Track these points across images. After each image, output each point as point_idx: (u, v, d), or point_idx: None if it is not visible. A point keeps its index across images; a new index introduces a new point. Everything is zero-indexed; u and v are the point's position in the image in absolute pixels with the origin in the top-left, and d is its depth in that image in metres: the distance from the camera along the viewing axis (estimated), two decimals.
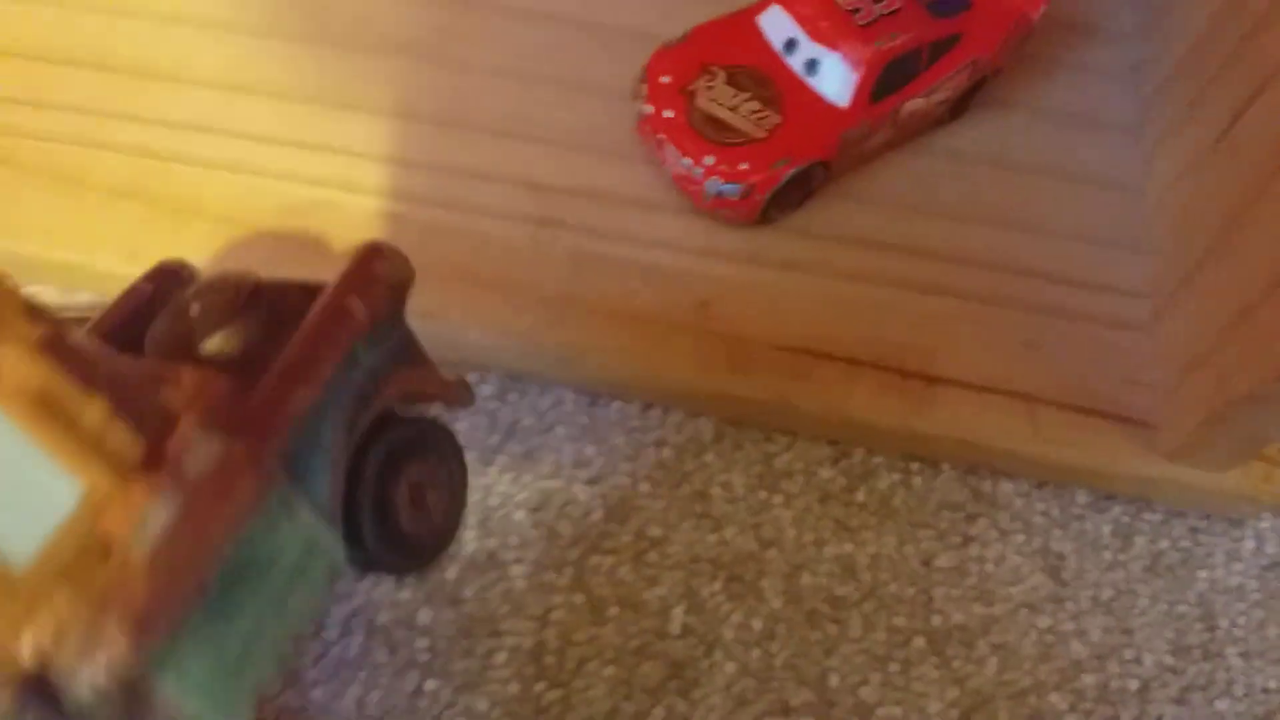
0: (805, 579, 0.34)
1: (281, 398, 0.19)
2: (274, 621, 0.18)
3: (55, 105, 0.37)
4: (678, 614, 0.33)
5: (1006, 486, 0.36)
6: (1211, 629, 0.35)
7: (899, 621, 0.34)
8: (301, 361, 0.20)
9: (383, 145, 0.37)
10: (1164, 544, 0.36)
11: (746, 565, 0.34)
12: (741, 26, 0.36)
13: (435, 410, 0.31)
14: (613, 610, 0.33)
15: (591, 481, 0.35)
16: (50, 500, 0.15)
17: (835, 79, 0.35)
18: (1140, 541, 0.36)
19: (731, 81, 0.35)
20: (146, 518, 0.16)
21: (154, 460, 0.16)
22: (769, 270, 0.36)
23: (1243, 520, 0.36)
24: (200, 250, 0.35)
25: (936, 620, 0.34)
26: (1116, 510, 0.36)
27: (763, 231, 0.36)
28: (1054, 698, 0.33)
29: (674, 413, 0.36)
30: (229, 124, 0.37)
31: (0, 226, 0.35)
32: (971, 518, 0.35)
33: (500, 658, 0.32)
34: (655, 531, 0.34)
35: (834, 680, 0.33)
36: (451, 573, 0.33)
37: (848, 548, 0.34)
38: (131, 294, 0.25)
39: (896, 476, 0.36)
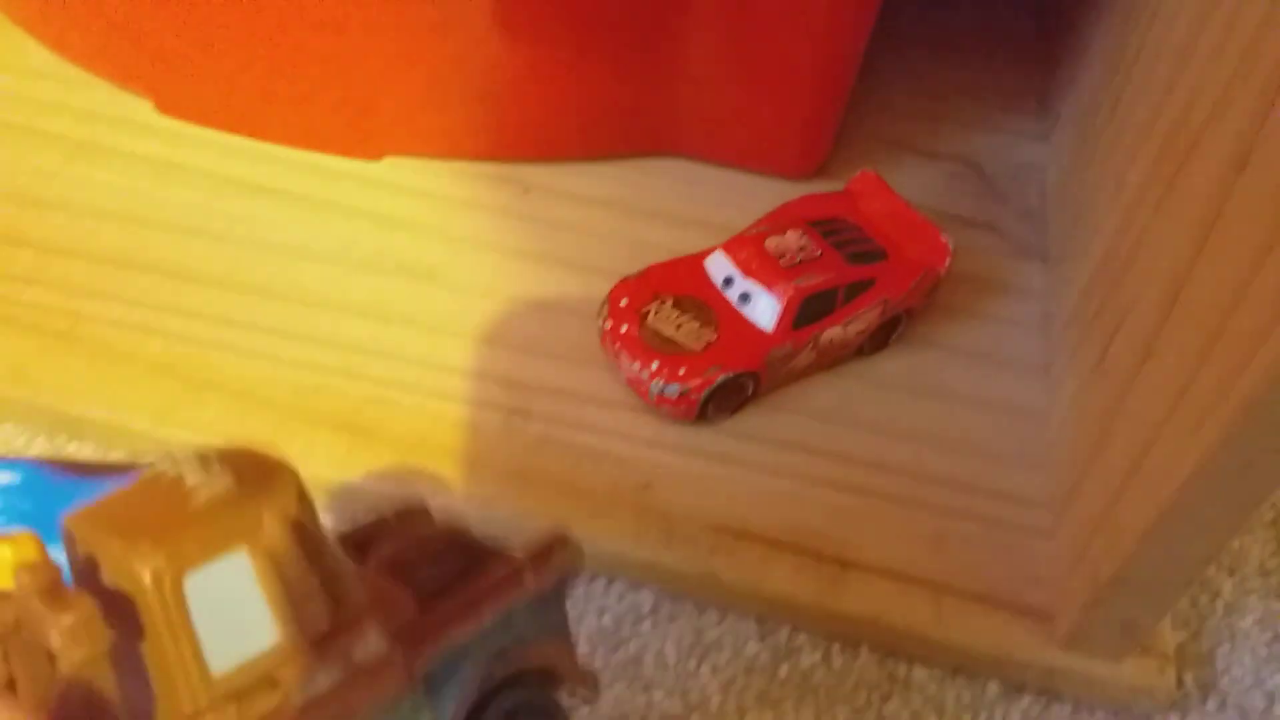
0: None
1: (442, 625, 0.24)
2: None
3: (114, 297, 0.44)
4: None
5: (920, 672, 0.38)
6: None
7: None
8: (468, 603, 0.24)
9: (387, 345, 0.44)
10: None
11: None
12: (690, 266, 0.44)
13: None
14: None
15: None
16: (255, 636, 0.20)
17: (763, 308, 0.42)
18: None
19: (677, 305, 0.42)
20: (313, 677, 0.21)
21: (335, 636, 0.21)
22: (704, 461, 0.41)
23: (1149, 718, 0.38)
24: (220, 419, 0.41)
25: None
26: (1026, 702, 0.38)
27: (702, 429, 0.42)
28: None
29: (617, 583, 0.40)
30: (257, 320, 0.44)
31: (55, 390, 0.41)
32: (886, 697, 0.38)
33: None
34: None
35: None
36: None
37: (767, 717, 0.37)
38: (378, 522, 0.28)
39: (818, 655, 0.39)
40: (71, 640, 0.18)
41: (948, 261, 0.45)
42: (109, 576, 0.19)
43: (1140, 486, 0.32)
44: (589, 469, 0.40)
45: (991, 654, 0.37)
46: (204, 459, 0.21)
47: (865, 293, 0.43)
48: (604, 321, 0.43)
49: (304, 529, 0.21)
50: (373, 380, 0.42)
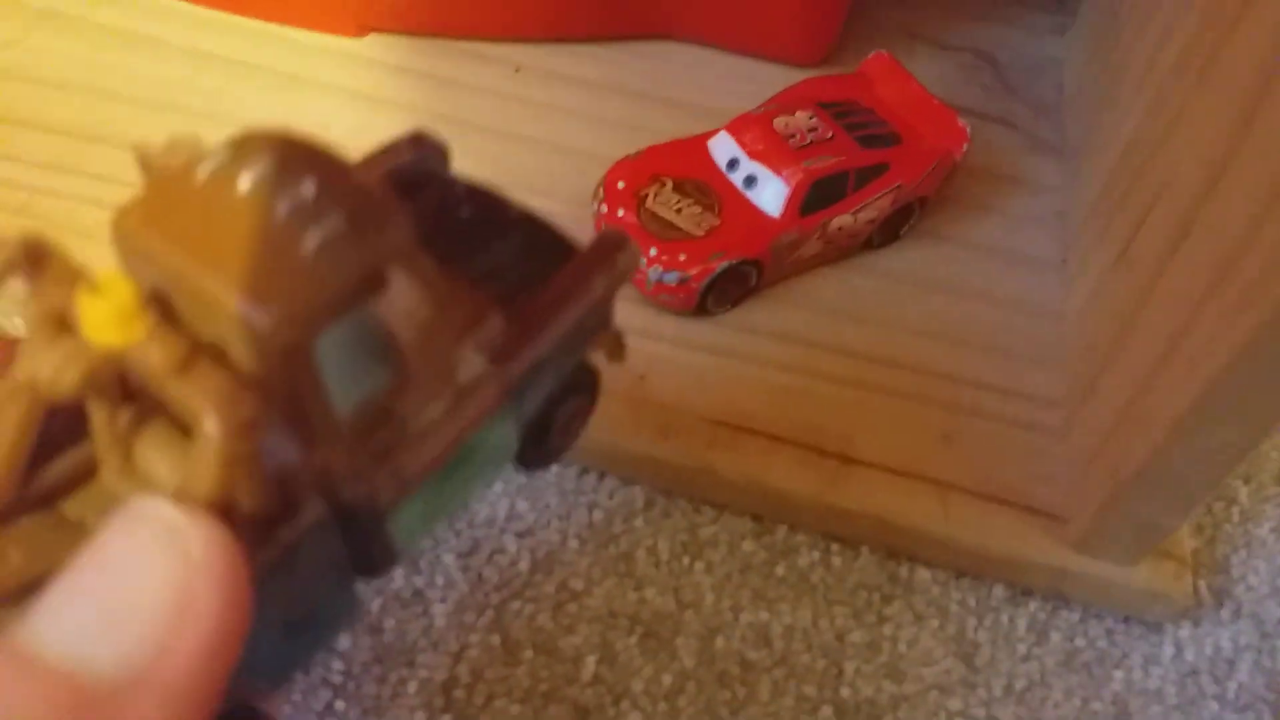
0: (719, 642, 0.35)
1: (527, 339, 0.23)
2: (464, 487, 0.23)
3: (77, 172, 0.41)
4: (590, 663, 0.34)
5: (924, 574, 0.37)
6: None
7: (808, 690, 0.34)
8: (547, 312, 0.24)
9: None
10: (1080, 642, 0.36)
11: (663, 624, 0.35)
12: (692, 147, 0.41)
13: None
14: (527, 653, 0.34)
15: (522, 534, 0.36)
16: (374, 375, 0.19)
17: (769, 192, 0.39)
18: (1056, 637, 0.36)
19: (678, 189, 0.40)
20: (426, 405, 0.20)
21: (443, 362, 0.20)
22: (703, 353, 0.39)
23: (1161, 626, 0.37)
24: None
25: (845, 692, 0.34)
26: (1033, 606, 0.37)
27: (701, 321, 0.40)
28: None
29: (608, 479, 0.38)
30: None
31: None
32: (887, 599, 0.36)
33: (411, 687, 0.33)
34: (577, 585, 0.35)
35: None
36: (375, 604, 0.34)
37: (763, 616, 0.35)
38: (388, 154, 0.26)
39: (816, 555, 0.37)
40: (228, 430, 0.16)
41: (965, 147, 0.43)
42: (203, 327, 0.17)
43: (1171, 374, 0.30)
44: None
45: (999, 555, 0.36)
46: (292, 179, 0.17)
47: (878, 178, 0.41)
48: (599, 205, 0.40)
49: (417, 263, 0.19)
50: None
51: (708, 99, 0.48)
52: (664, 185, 0.40)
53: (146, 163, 0.19)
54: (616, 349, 0.28)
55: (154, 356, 0.16)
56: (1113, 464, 0.33)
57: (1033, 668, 0.35)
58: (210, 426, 0.16)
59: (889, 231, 0.42)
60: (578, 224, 0.42)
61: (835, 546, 0.37)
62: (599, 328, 0.27)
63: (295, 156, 0.18)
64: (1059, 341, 0.41)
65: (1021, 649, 0.36)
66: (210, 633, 0.16)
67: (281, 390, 0.17)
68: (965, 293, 0.42)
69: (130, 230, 0.17)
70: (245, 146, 0.18)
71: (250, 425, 0.16)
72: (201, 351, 0.16)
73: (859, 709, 0.34)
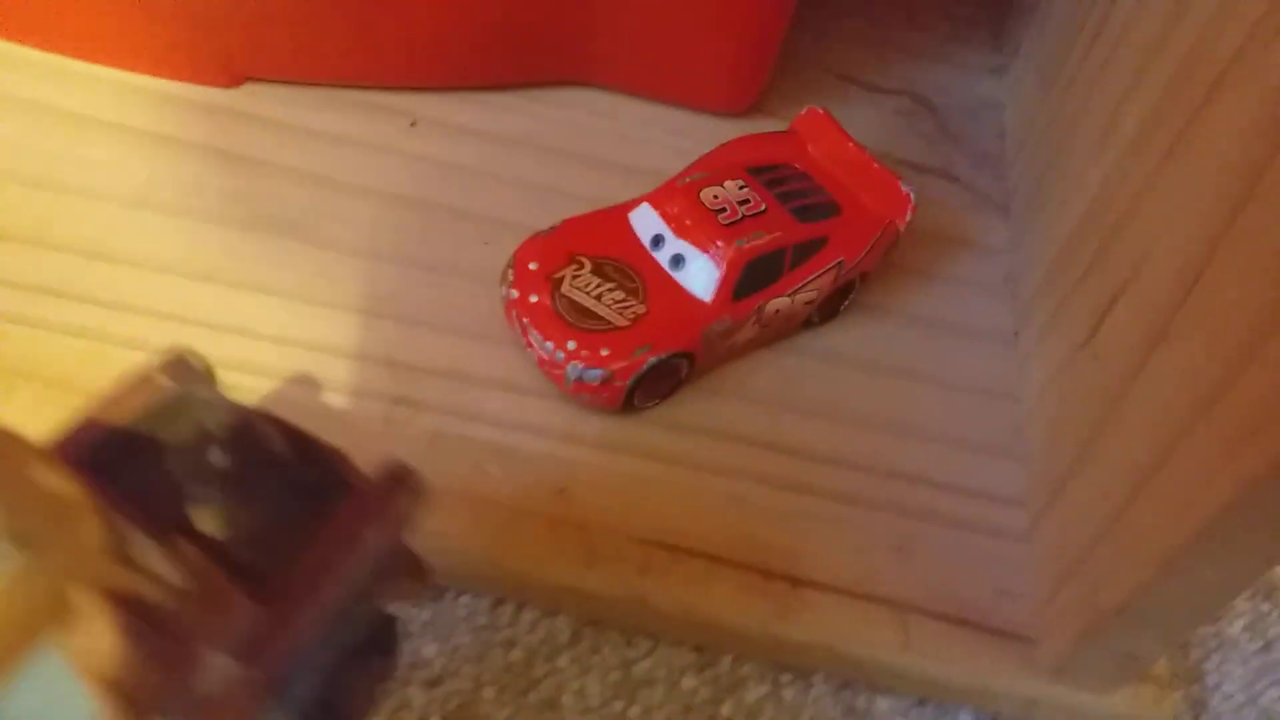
0: None
1: (287, 627, 0.20)
2: None
3: None
4: None
5: (883, 704, 0.33)
6: None
7: None
8: (310, 593, 0.20)
9: (237, 318, 0.36)
10: None
11: None
12: (612, 221, 0.37)
13: None
14: None
15: (430, 684, 0.31)
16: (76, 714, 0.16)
17: (699, 274, 0.35)
18: None
19: (598, 271, 0.35)
20: None
21: (169, 679, 0.17)
22: (631, 459, 0.34)
23: None
24: (27, 413, 0.32)
25: None
26: None
27: (627, 420, 0.35)
28: None
29: (527, 610, 0.33)
30: (79, 289, 0.35)
31: None
32: None
33: None
34: None
35: None
36: None
37: None
38: (147, 387, 0.22)
39: (765, 689, 0.33)
40: None
41: (909, 215, 0.39)
42: None
43: (1159, 502, 0.27)
44: (493, 471, 0.33)
45: (965, 685, 0.32)
46: None
47: (817, 254, 0.37)
48: (509, 289, 0.35)
49: (117, 566, 0.16)
50: (223, 363, 0.34)
51: (628, 155, 0.43)
52: (582, 266, 0.35)
53: None
54: (416, 588, 0.23)
55: None
56: (1090, 590, 0.30)
57: None
58: None
59: (828, 309, 0.39)
60: (482, 307, 0.37)
61: (786, 677, 0.33)
62: (388, 576, 0.22)
63: None
64: (1015, 428, 0.38)
65: None
66: None
67: None
68: (912, 374, 0.39)
69: None
70: None
71: None
72: None
73: None
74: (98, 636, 0.16)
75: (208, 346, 0.35)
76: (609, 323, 0.34)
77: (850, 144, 0.40)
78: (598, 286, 0.35)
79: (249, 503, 0.21)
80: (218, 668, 0.18)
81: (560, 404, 0.35)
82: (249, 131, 0.41)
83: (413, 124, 0.43)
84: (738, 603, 0.32)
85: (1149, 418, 0.29)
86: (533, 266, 0.35)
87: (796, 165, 0.39)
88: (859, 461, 0.36)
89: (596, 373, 0.33)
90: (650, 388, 0.35)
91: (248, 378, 0.34)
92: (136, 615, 0.16)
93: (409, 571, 0.23)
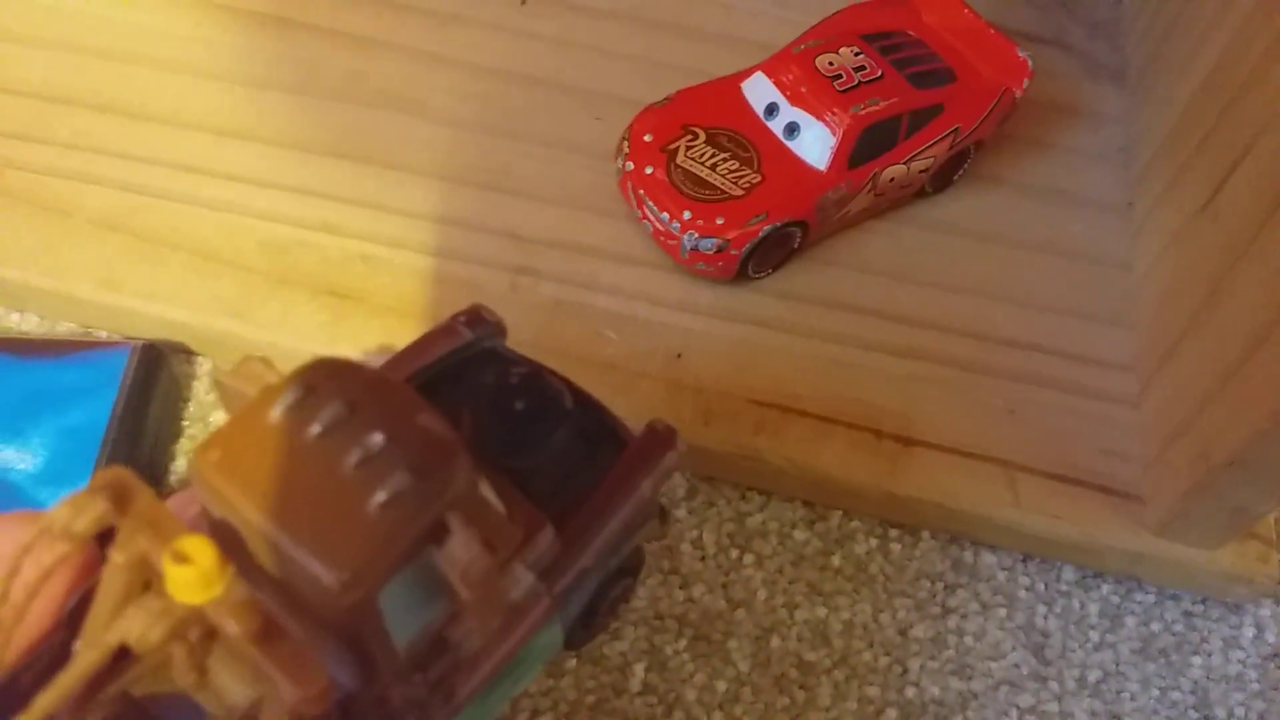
0: (774, 642, 0.32)
1: (576, 549, 0.23)
2: (509, 691, 0.23)
3: (47, 140, 0.37)
4: (638, 670, 0.31)
5: (989, 558, 0.34)
6: (1207, 718, 0.33)
7: (871, 691, 0.32)
8: (596, 527, 0.24)
9: (366, 192, 0.37)
10: (1156, 626, 0.34)
11: (714, 625, 0.32)
12: (725, 91, 0.37)
13: None
14: (571, 663, 0.31)
15: None
16: (430, 608, 0.20)
17: (814, 142, 0.35)
18: (1130, 623, 0.34)
19: (712, 142, 0.36)
20: (480, 628, 0.21)
21: (496, 585, 0.20)
22: (744, 326, 0.35)
23: (1241, 606, 0.35)
24: (177, 282, 0.35)
25: (911, 692, 0.32)
26: (1105, 589, 0.34)
27: (741, 289, 0.36)
28: None
29: None
30: (216, 166, 0.37)
31: None
32: (951, 588, 0.34)
33: None
34: None
35: None
36: None
37: (820, 612, 0.33)
38: (447, 336, 0.25)
39: (874, 542, 0.34)
40: (300, 699, 0.17)
41: (1026, 82, 0.38)
42: (271, 569, 0.18)
43: (1277, 352, 0.27)
44: (611, 337, 0.35)
45: (1072, 540, 0.33)
46: (363, 428, 0.18)
47: (932, 121, 0.37)
48: (624, 162, 0.36)
49: (476, 504, 0.19)
50: (355, 235, 0.36)
51: (736, 27, 0.43)
52: (696, 137, 0.36)
53: (222, 389, 0.20)
54: (662, 531, 0.27)
55: (232, 627, 0.17)
56: (1202, 446, 0.30)
57: (1107, 657, 0.33)
58: (286, 694, 0.17)
59: (942, 178, 0.39)
60: (596, 181, 0.38)
61: (894, 532, 0.34)
62: (646, 521, 0.26)
63: (366, 399, 0.19)
64: (1127, 297, 0.38)
65: (1094, 637, 0.34)
66: None
67: (346, 635, 0.18)
68: (1025, 244, 0.39)
69: (209, 473, 0.18)
70: (316, 386, 0.19)
71: (319, 697, 0.17)
72: (273, 623, 0.17)
73: (925, 709, 0.32)
74: (464, 549, 0.18)
75: (342, 220, 0.37)
76: (724, 192, 0.35)
77: (966, 10, 0.40)
78: (712, 157, 0.35)
79: (541, 446, 0.24)
80: (524, 582, 0.21)
81: (674, 275, 0.36)
82: (365, 12, 0.42)
83: (523, 1, 0.43)
84: (849, 460, 0.33)
85: (1268, 275, 0.29)
86: (647, 139, 0.36)
87: (911, 32, 0.39)
88: (970, 329, 0.36)
89: (712, 242, 0.34)
90: (764, 257, 0.35)
91: (383, 249, 0.36)
92: (484, 537, 0.19)
93: (659, 516, 0.26)
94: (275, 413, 0.18)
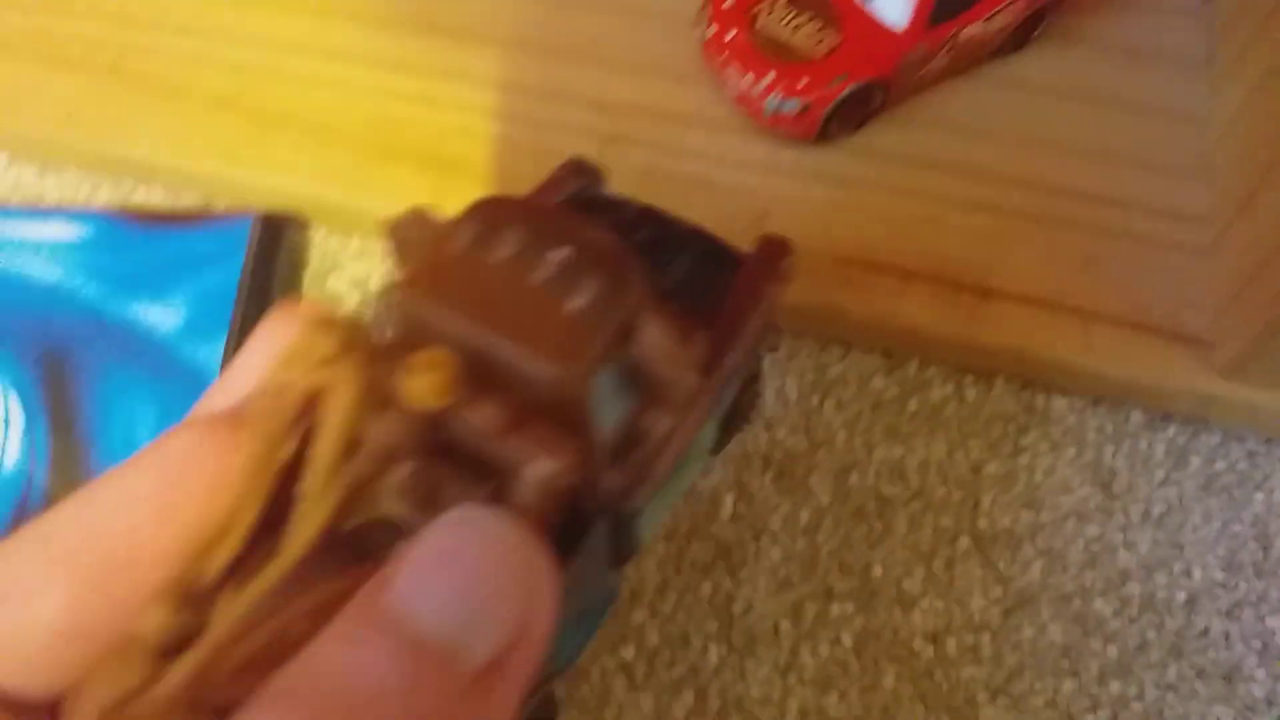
0: (853, 478, 0.35)
1: (725, 354, 0.25)
2: (682, 482, 0.26)
3: (162, 25, 0.40)
4: (728, 501, 0.34)
5: (1060, 402, 0.36)
6: (1266, 548, 0.35)
7: (945, 522, 0.34)
8: (737, 329, 0.26)
9: (462, 65, 0.39)
10: (1220, 465, 0.36)
11: (796, 463, 0.35)
12: None
13: None
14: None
15: None
16: (627, 400, 0.22)
17: (894, 2, 0.36)
18: (1195, 461, 0.36)
19: (792, 3, 0.37)
20: (662, 421, 0.23)
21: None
22: (827, 186, 0.37)
23: None
24: (290, 156, 0.37)
25: (983, 523, 0.34)
26: (1172, 430, 0.36)
27: (822, 149, 0.38)
28: (1099, 603, 0.34)
29: None
30: (321, 44, 0.39)
31: (112, 132, 0.38)
32: (1023, 429, 0.36)
33: None
34: None
35: (877, 571, 0.34)
36: None
37: (897, 452, 0.35)
38: (557, 187, 0.27)
39: (950, 388, 0.36)
40: (560, 469, 0.19)
41: None
42: (495, 379, 0.19)
43: None
44: (698, 200, 0.37)
45: (1143, 384, 0.35)
46: (547, 247, 0.20)
47: None
48: (706, 27, 0.37)
49: (655, 303, 0.21)
50: (456, 107, 0.38)
51: None
52: (776, 1, 0.37)
53: (395, 234, 0.22)
54: (776, 340, 0.29)
55: (488, 418, 0.18)
56: (1275, 288, 0.31)
57: (1171, 492, 0.35)
58: (543, 468, 0.19)
59: (1020, 36, 0.39)
60: (679, 48, 0.39)
61: (969, 379, 0.36)
62: (769, 328, 0.28)
63: (541, 223, 0.20)
64: (1206, 152, 0.38)
65: (1160, 474, 0.35)
66: (548, 624, 0.17)
67: (568, 427, 0.20)
68: (1103, 100, 0.39)
69: (415, 301, 0.20)
70: (492, 217, 0.20)
71: (575, 466, 0.19)
72: (525, 408, 0.19)
73: (997, 539, 0.34)
74: (660, 336, 0.21)
75: (440, 93, 0.39)
76: (805, 54, 0.36)
77: None
78: (793, 19, 0.36)
79: (669, 270, 0.26)
80: (692, 379, 0.23)
81: (758, 138, 0.38)
82: None
83: None
84: (929, 310, 0.35)
85: None
86: (727, 4, 0.37)
87: None
88: (1048, 183, 0.37)
89: (794, 103, 0.36)
90: (846, 117, 0.37)
91: (479, 121, 0.38)
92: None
93: (773, 326, 0.29)
94: (461, 243, 0.20)
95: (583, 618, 0.24)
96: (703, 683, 0.32)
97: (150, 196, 0.40)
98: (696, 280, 0.26)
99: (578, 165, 0.28)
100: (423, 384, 0.18)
